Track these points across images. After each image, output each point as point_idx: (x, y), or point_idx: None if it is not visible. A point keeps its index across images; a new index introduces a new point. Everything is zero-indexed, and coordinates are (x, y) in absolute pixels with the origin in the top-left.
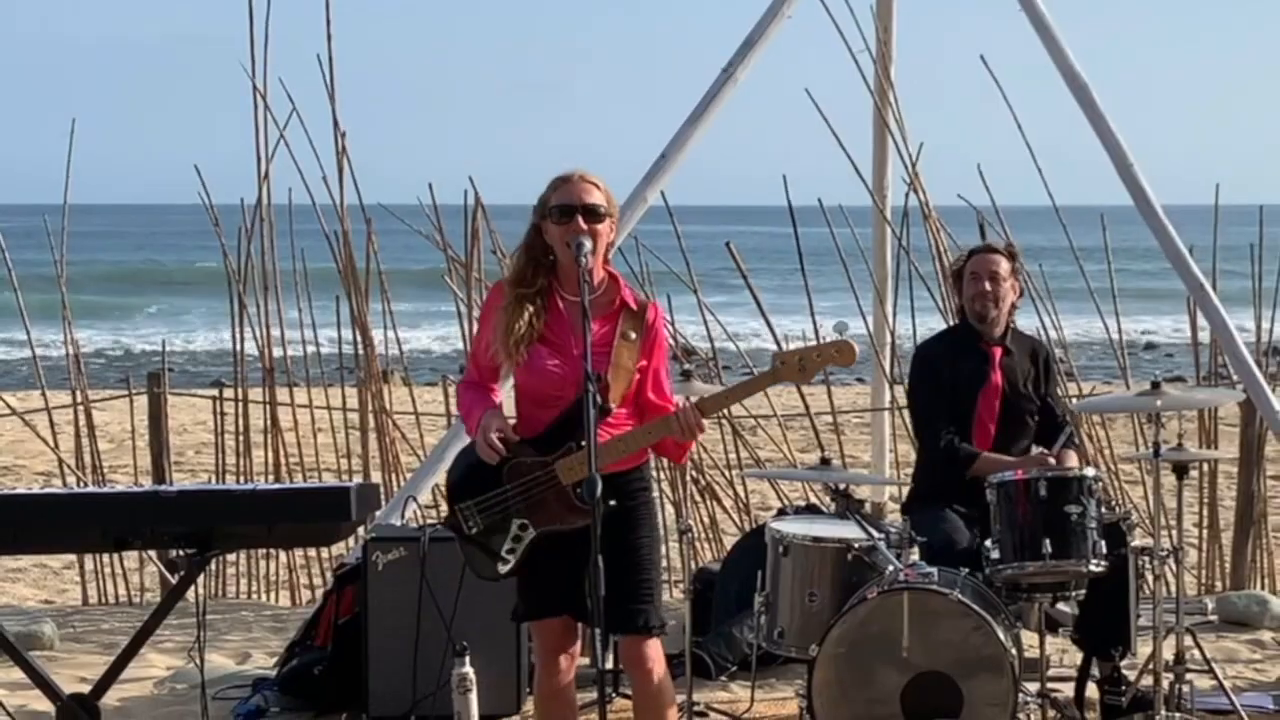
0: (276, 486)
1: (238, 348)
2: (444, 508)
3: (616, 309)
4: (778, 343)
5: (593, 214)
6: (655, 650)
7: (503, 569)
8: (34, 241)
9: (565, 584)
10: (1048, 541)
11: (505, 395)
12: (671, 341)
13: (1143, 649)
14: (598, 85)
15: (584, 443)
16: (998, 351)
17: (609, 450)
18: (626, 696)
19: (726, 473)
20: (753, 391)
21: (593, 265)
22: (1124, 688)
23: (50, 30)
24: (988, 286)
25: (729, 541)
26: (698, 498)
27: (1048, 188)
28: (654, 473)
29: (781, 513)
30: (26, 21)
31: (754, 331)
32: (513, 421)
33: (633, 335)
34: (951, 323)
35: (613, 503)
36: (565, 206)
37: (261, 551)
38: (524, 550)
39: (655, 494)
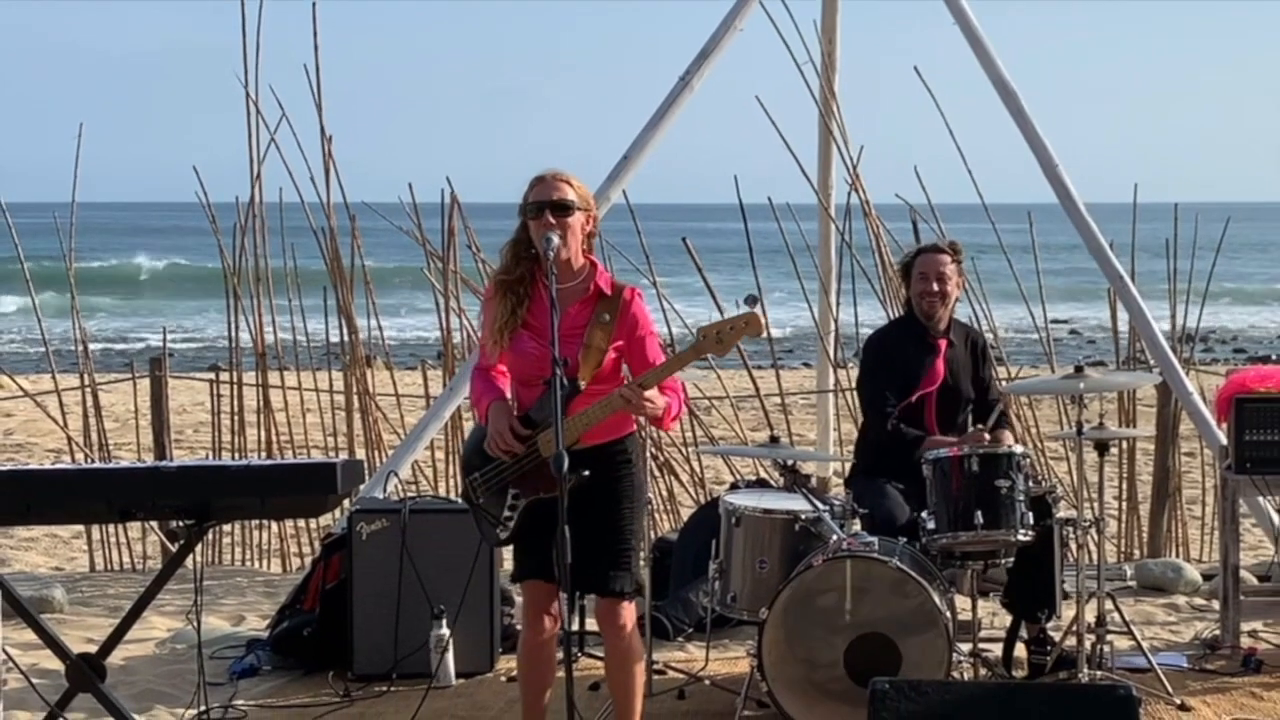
0: (268, 462)
1: (233, 334)
2: (423, 483)
3: (593, 294)
4: None
5: (560, 209)
6: (628, 612)
7: (503, 534)
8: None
9: (549, 550)
10: (979, 513)
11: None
12: None
13: (1067, 612)
14: (566, 93)
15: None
16: (943, 344)
17: (579, 422)
18: (591, 656)
19: (683, 450)
20: (684, 363)
21: (566, 256)
22: (1049, 648)
23: (57, 40)
24: (935, 287)
25: (685, 513)
26: (657, 473)
27: (978, 187)
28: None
29: (734, 487)
30: (35, 32)
31: (710, 319)
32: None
33: (606, 318)
34: (892, 312)
35: (585, 473)
36: (537, 204)
37: (255, 522)
38: (519, 517)
39: (640, 466)
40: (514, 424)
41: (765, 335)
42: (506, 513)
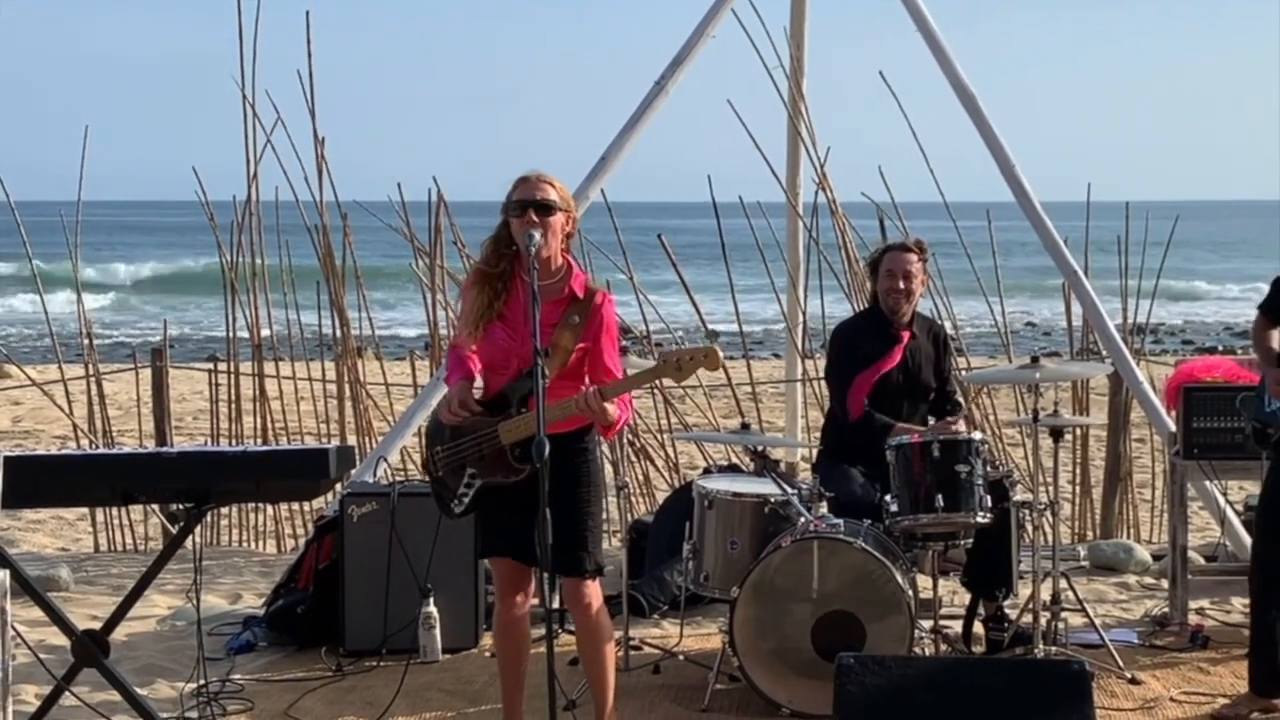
0: (264, 448)
1: (230, 326)
2: (411, 468)
3: (566, 296)
4: (702, 321)
5: (543, 209)
6: (593, 590)
7: (456, 509)
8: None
9: (512, 531)
10: (940, 496)
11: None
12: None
13: (1023, 591)
14: (547, 97)
15: (522, 409)
16: (906, 335)
17: (534, 417)
18: (570, 632)
19: (658, 436)
20: (641, 383)
21: (547, 254)
22: (1006, 625)
23: (65, 46)
24: (901, 284)
25: (660, 496)
26: (633, 458)
27: (939, 186)
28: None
29: (707, 471)
30: (43, 37)
31: (685, 312)
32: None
33: (576, 320)
34: (857, 305)
35: (538, 465)
36: (521, 202)
37: (251, 505)
38: (473, 496)
39: (598, 456)
40: (470, 403)
41: (721, 370)
42: (462, 489)
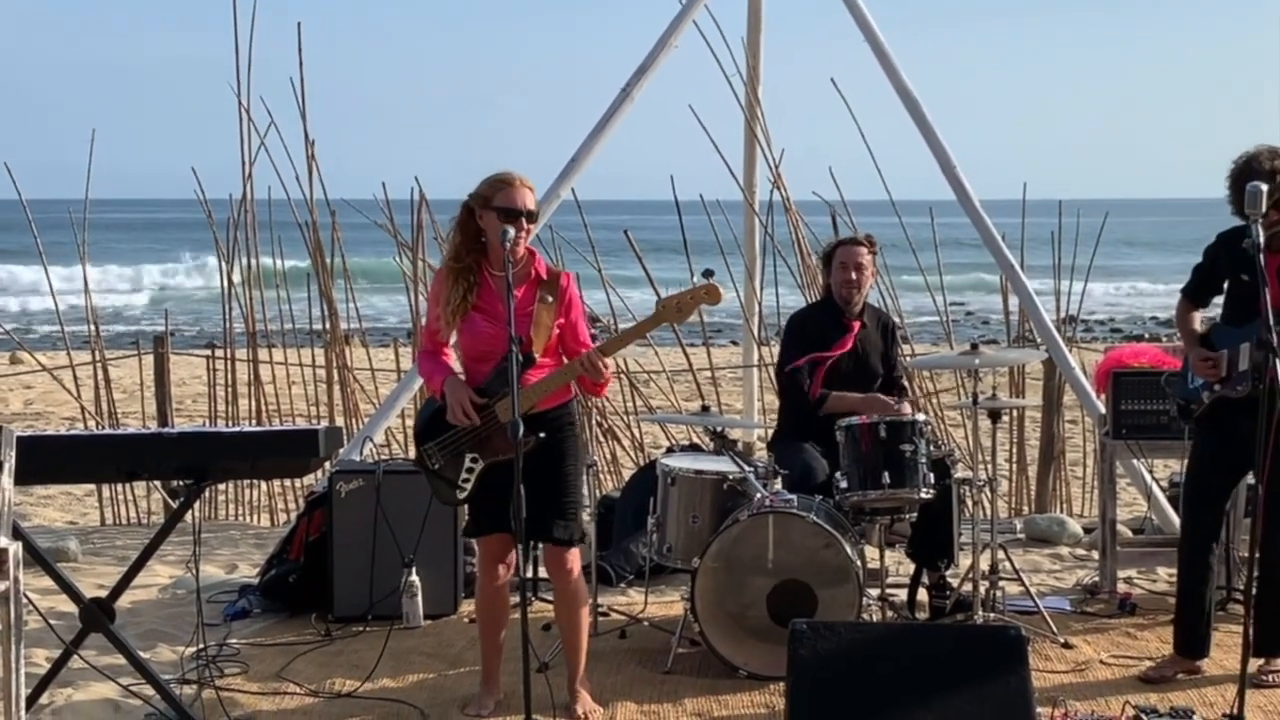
0: (258, 429)
1: (227, 316)
2: (395, 447)
3: (534, 279)
4: None
5: (532, 218)
6: (574, 558)
7: (460, 495)
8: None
9: (504, 507)
10: (886, 474)
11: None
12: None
13: (963, 561)
14: (521, 101)
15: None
16: (856, 325)
17: (536, 390)
18: (543, 600)
19: (625, 418)
20: (644, 330)
21: (521, 252)
22: (948, 593)
23: (73, 54)
24: (853, 276)
25: (627, 474)
26: (601, 438)
27: (886, 185)
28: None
29: (670, 450)
30: (53, 46)
31: (650, 304)
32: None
33: (549, 299)
34: (810, 297)
35: (542, 435)
36: (512, 210)
37: (246, 481)
38: (476, 479)
39: (580, 429)
40: (471, 395)
41: (684, 357)
42: (464, 475)
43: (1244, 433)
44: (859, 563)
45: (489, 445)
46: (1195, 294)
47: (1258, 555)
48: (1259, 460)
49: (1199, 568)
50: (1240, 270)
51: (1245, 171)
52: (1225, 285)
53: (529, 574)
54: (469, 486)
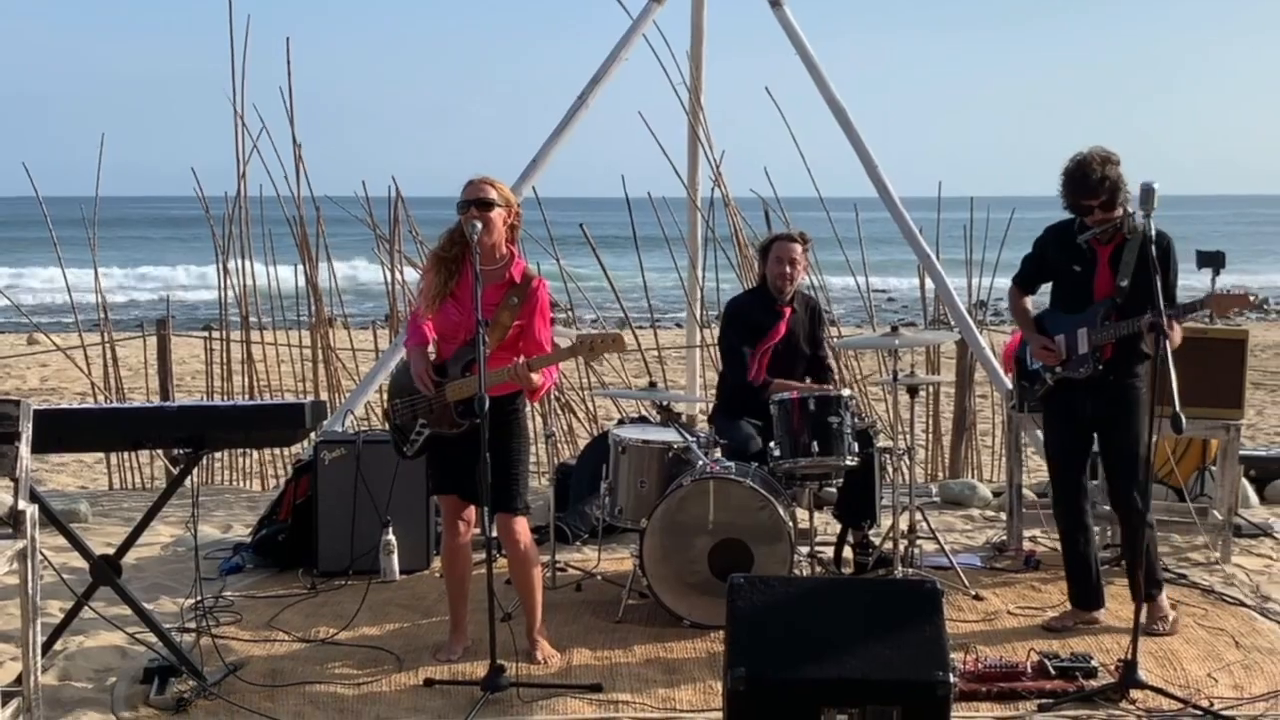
0: (251, 403)
1: (223, 300)
2: (373, 420)
3: (507, 281)
4: (617, 298)
5: (482, 205)
6: (521, 525)
7: (408, 451)
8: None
9: (455, 471)
10: (815, 443)
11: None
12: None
13: (885, 522)
14: (489, 109)
15: (465, 374)
16: (788, 311)
17: (477, 381)
18: (505, 557)
19: (580, 392)
20: (560, 359)
21: (491, 242)
22: (871, 550)
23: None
24: (787, 270)
25: (582, 443)
26: (559, 411)
27: (815, 183)
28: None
29: (620, 422)
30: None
31: (603, 290)
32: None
33: (515, 301)
34: (746, 284)
35: (477, 420)
36: (464, 201)
37: (240, 450)
38: (422, 442)
39: (526, 416)
40: (429, 369)
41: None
42: (414, 435)
43: (1086, 410)
44: (791, 523)
45: (435, 418)
46: (1025, 282)
47: (1120, 512)
48: (1148, 424)
49: (1075, 529)
50: (1073, 261)
51: (1078, 172)
52: (1054, 275)
53: (493, 534)
54: (416, 447)
